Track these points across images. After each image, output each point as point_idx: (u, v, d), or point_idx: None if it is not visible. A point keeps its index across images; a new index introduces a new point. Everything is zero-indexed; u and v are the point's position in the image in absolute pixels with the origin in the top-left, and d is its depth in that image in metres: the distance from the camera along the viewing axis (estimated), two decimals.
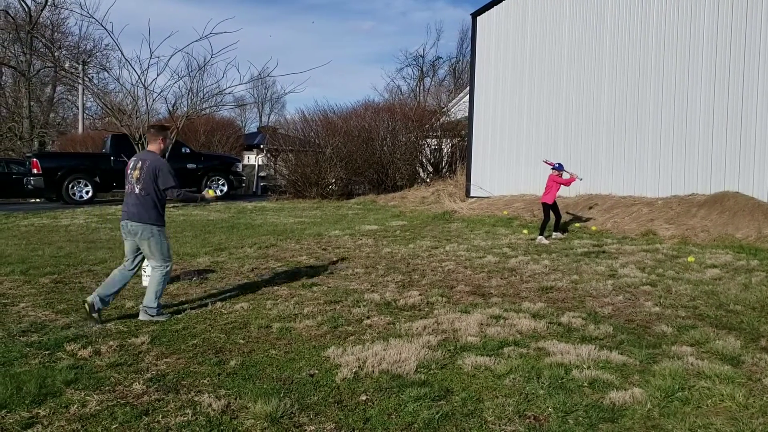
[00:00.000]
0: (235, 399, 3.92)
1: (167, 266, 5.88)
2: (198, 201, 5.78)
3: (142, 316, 5.78)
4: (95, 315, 5.58)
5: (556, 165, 11.23)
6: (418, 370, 4.41)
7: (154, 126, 6.21)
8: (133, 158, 5.97)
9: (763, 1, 11.73)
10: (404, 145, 20.45)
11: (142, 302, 5.88)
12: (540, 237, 10.79)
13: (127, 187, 5.87)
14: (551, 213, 11.18)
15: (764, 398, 3.94)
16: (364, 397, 3.95)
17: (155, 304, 5.79)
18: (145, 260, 7.09)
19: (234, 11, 78.24)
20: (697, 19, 12.60)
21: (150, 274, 5.96)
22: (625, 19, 13.65)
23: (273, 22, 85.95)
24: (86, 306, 5.56)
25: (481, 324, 5.57)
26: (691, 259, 8.89)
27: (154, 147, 5.94)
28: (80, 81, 30.20)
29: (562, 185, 11.22)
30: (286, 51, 78.00)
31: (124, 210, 5.84)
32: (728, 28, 12.17)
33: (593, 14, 14.16)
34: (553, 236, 11.12)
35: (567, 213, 12.80)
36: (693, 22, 12.66)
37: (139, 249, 5.85)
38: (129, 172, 5.83)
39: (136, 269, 5.97)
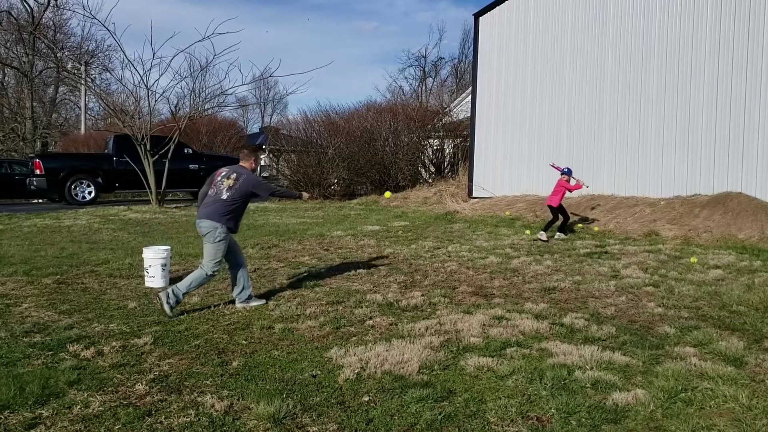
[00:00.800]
0: (238, 400, 3.92)
1: (212, 273, 6.15)
2: (289, 196, 6.99)
3: (162, 297, 5.89)
4: (253, 301, 6.37)
5: (565, 170, 11.25)
6: (421, 371, 4.40)
7: (248, 147, 6.79)
8: (226, 168, 6.42)
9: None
10: (406, 145, 20.44)
11: (167, 288, 6.05)
12: (542, 232, 10.80)
13: (211, 190, 6.25)
14: (558, 214, 11.18)
15: None
16: (366, 398, 3.95)
17: (184, 291, 5.99)
18: (147, 261, 7.15)
19: (237, 12, 78.17)
20: (699, 18, 12.58)
21: (195, 271, 6.18)
22: (628, 19, 13.64)
23: (276, 22, 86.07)
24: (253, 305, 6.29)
25: (484, 325, 5.57)
26: (693, 259, 8.88)
27: (246, 164, 6.41)
28: (83, 82, 30.24)
29: (567, 190, 11.21)
30: (290, 51, 78.07)
31: (201, 210, 6.22)
32: (731, 27, 12.15)
33: (596, 15, 14.15)
34: (556, 236, 11.12)
35: (571, 213, 12.77)
36: (696, 22, 12.64)
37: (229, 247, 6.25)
38: (220, 179, 6.27)
39: (236, 261, 6.37)
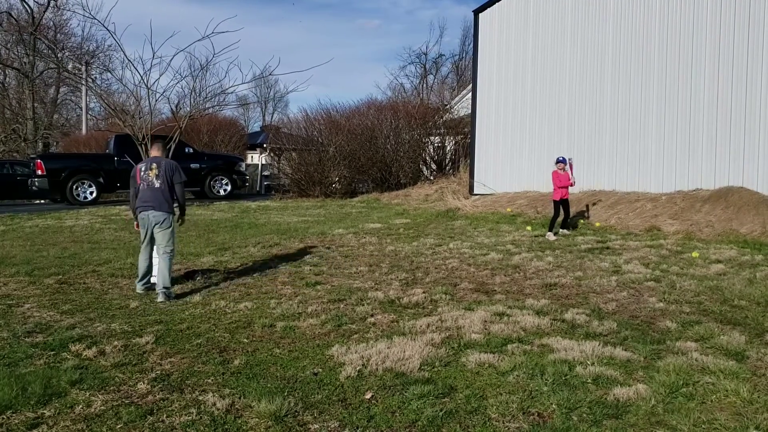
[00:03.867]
0: (240, 398, 3.93)
1: (174, 250, 6.95)
2: (183, 211, 7.20)
3: (161, 298, 6.51)
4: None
5: (561, 159, 11.17)
6: (422, 367, 4.41)
7: (160, 137, 7.41)
8: (143, 162, 7.06)
9: None
10: (407, 143, 20.43)
11: (156, 288, 6.67)
12: (549, 233, 10.75)
13: (142, 184, 6.83)
14: (560, 209, 11.10)
15: None
16: (368, 395, 3.95)
17: (171, 284, 6.69)
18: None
19: (238, 11, 78.11)
20: (699, 10, 12.55)
21: (160, 260, 6.77)
22: (627, 11, 13.60)
23: (279, 21, 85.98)
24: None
25: (485, 321, 5.57)
26: (695, 254, 8.87)
27: (160, 153, 7.11)
28: (83, 82, 30.24)
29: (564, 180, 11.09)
30: (292, 51, 78.01)
31: (146, 204, 6.79)
32: (731, 19, 12.11)
33: (595, 8, 14.10)
34: (560, 232, 11.10)
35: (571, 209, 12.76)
36: (696, 13, 12.60)
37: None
38: (144, 172, 6.85)
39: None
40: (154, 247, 6.93)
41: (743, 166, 11.96)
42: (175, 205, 6.97)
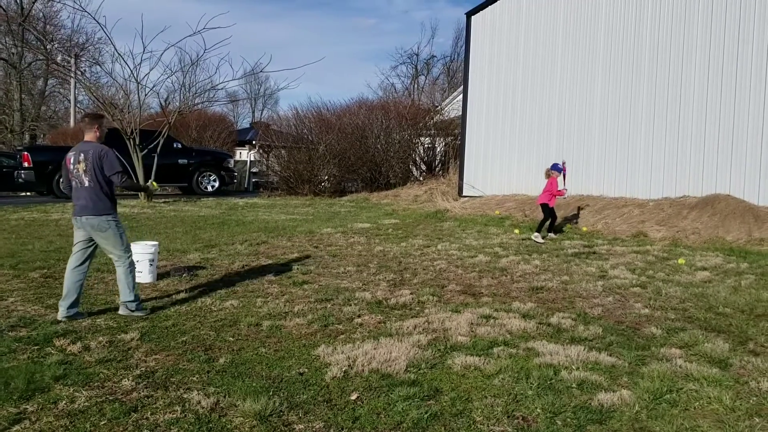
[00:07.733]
0: (224, 397, 3.91)
1: (129, 256, 5.85)
2: (142, 190, 5.80)
3: (122, 311, 5.79)
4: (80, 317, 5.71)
5: (558, 166, 11.29)
6: (408, 369, 4.41)
7: (88, 115, 6.06)
8: (71, 152, 5.80)
9: (756, 1, 11.79)
10: (398, 143, 20.44)
11: (121, 306, 5.86)
12: (536, 234, 10.84)
13: (73, 182, 5.74)
14: (550, 212, 11.24)
15: (751, 401, 3.97)
16: (353, 396, 3.95)
17: (132, 297, 5.76)
18: (135, 256, 7.08)
19: (231, 7, 77.83)
20: (691, 21, 12.65)
21: (117, 270, 5.85)
22: (619, 19, 13.68)
23: (272, 18, 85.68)
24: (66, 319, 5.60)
25: (472, 324, 5.58)
26: (681, 261, 8.94)
27: (90, 136, 5.80)
28: (72, 74, 30.00)
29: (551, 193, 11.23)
30: (285, 48, 77.81)
31: (77, 205, 5.73)
32: (721, 31, 12.22)
33: (587, 15, 14.18)
34: (547, 236, 11.16)
35: (559, 213, 12.81)
36: (687, 23, 12.70)
37: (91, 242, 5.82)
38: (72, 166, 5.72)
39: (88, 264, 5.92)
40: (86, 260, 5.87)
41: (730, 174, 12.07)
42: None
